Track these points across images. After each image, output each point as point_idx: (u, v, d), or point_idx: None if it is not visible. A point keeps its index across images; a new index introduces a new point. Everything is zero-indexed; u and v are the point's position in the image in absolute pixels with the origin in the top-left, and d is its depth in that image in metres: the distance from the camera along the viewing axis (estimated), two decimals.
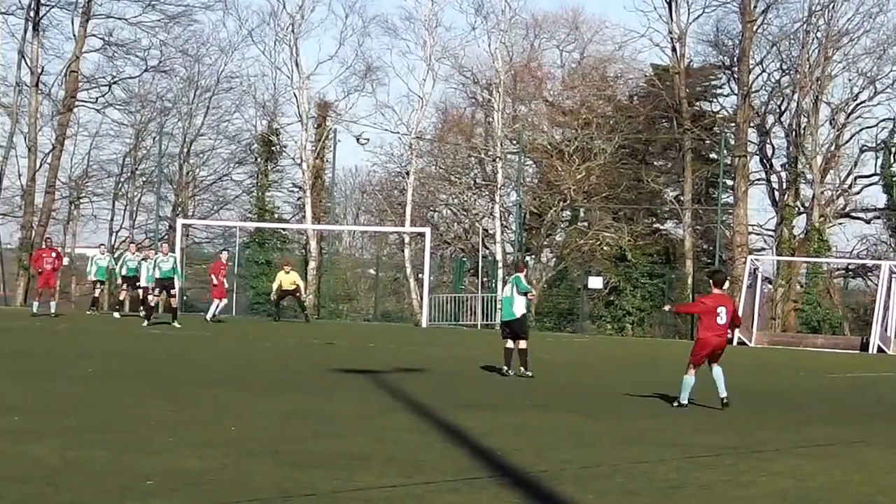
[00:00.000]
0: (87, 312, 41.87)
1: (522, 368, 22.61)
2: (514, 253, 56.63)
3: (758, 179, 60.20)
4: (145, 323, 34.56)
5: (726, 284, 19.08)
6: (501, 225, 58.14)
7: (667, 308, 20.19)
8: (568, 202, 59.43)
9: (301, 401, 16.42)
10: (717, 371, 17.98)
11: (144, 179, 61.97)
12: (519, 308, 22.98)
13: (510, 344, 22.93)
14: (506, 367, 22.89)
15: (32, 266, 43.43)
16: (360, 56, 59.72)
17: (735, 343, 45.42)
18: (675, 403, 17.87)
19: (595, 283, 56.26)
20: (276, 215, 60.37)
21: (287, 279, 42.00)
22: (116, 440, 11.68)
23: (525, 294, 23.05)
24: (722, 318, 17.80)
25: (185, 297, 41.90)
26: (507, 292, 23.27)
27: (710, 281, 18.53)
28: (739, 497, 10.10)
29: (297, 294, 42.79)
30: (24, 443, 11.19)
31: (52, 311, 37.81)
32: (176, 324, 34.71)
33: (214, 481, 9.63)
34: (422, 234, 51.52)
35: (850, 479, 11.44)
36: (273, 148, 60.40)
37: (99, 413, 13.97)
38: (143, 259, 38.80)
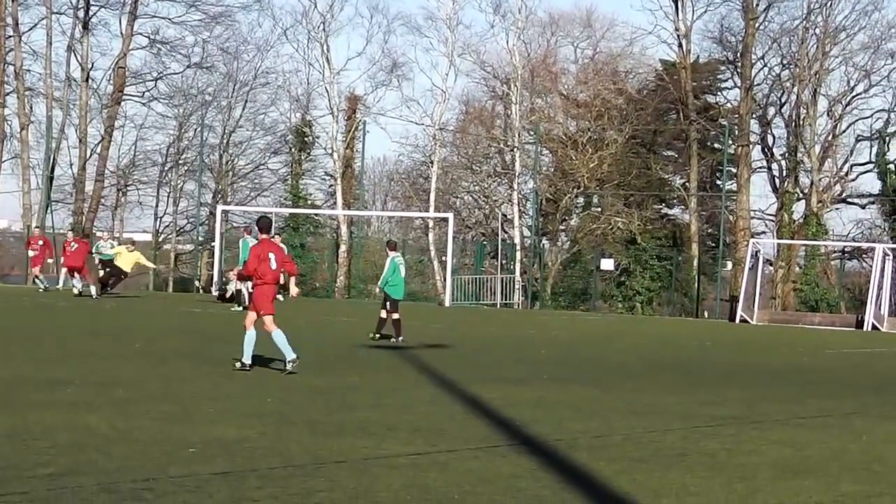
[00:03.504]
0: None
1: (400, 337, 23.58)
2: (531, 237, 56.59)
3: (759, 168, 60.10)
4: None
5: (273, 230, 17.17)
6: (519, 210, 58.16)
7: (233, 274, 16.21)
8: (581, 189, 59.36)
9: (334, 375, 16.47)
10: (277, 336, 16.24)
11: (186, 168, 62.16)
12: None
13: (385, 315, 24.02)
14: (378, 335, 23.80)
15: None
16: (386, 53, 59.90)
17: (738, 321, 45.41)
18: (239, 365, 15.98)
19: (607, 264, 56.36)
20: (309, 202, 60.50)
21: (130, 258, 37.31)
22: (162, 411, 11.73)
23: None
24: (273, 265, 16.28)
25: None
26: (403, 274, 24.96)
27: (257, 227, 16.81)
28: (741, 464, 10.09)
29: (123, 276, 38.12)
30: (78, 413, 11.25)
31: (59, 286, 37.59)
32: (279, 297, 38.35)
33: (252, 448, 9.67)
34: (445, 220, 51.52)
35: (847, 448, 11.42)
36: (306, 139, 60.53)
37: (146, 386, 14.02)
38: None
